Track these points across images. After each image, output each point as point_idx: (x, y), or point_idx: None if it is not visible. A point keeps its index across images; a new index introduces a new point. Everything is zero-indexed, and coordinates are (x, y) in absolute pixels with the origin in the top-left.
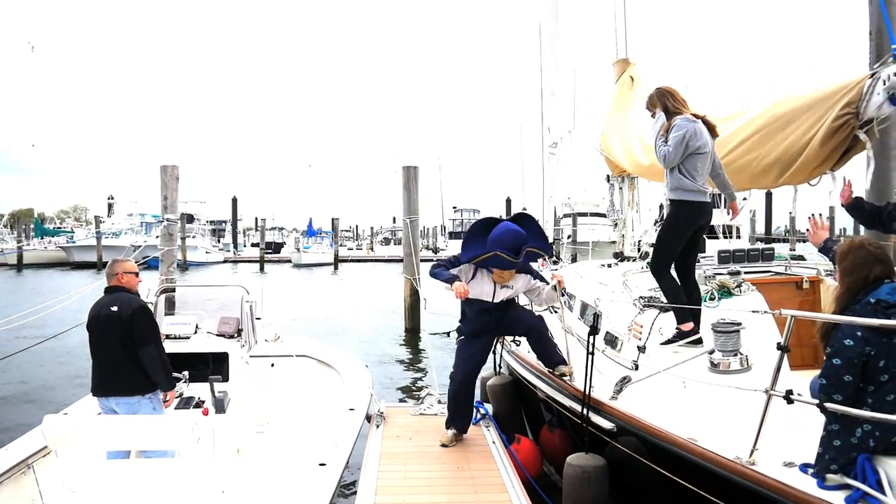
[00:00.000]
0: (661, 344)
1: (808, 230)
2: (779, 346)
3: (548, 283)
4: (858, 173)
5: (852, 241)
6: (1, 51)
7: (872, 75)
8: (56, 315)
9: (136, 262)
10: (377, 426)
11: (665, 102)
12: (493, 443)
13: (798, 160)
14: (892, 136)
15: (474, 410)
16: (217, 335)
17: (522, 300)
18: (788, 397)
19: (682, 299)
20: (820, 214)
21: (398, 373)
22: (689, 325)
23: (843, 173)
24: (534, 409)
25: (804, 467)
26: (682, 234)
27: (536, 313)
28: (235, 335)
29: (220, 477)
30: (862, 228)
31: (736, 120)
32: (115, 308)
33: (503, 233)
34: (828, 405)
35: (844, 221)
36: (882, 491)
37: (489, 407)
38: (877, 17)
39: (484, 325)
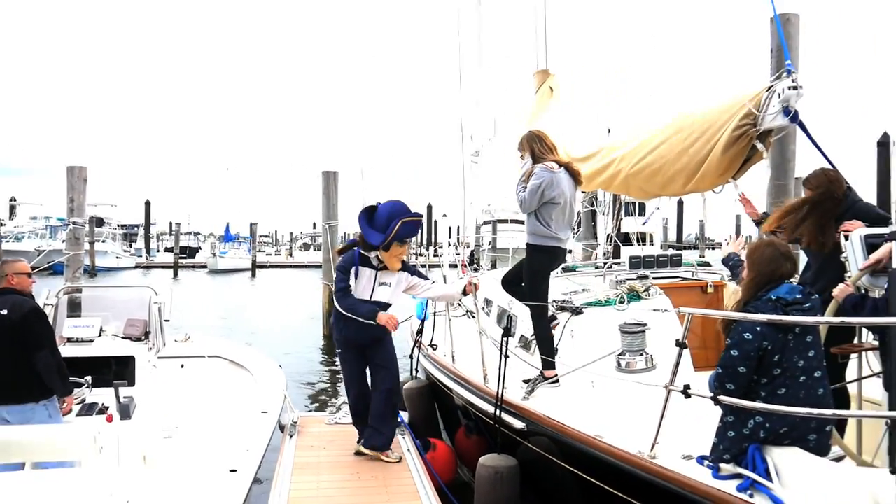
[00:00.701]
0: (524, 384)
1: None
2: (677, 343)
3: (427, 279)
4: (761, 181)
5: (762, 239)
6: None
7: (769, 88)
8: None
9: (39, 268)
10: (290, 436)
11: (533, 147)
12: (408, 450)
13: (702, 168)
14: (788, 147)
15: None
16: (123, 338)
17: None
18: (686, 392)
19: (553, 347)
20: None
21: (315, 381)
22: (552, 372)
23: (743, 185)
24: (450, 412)
25: (700, 459)
26: (544, 276)
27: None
28: (143, 338)
29: (124, 487)
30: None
31: (645, 129)
32: (4, 311)
33: (392, 206)
34: (721, 398)
35: (750, 229)
36: (770, 479)
37: (405, 415)
38: (776, 36)
39: (356, 335)
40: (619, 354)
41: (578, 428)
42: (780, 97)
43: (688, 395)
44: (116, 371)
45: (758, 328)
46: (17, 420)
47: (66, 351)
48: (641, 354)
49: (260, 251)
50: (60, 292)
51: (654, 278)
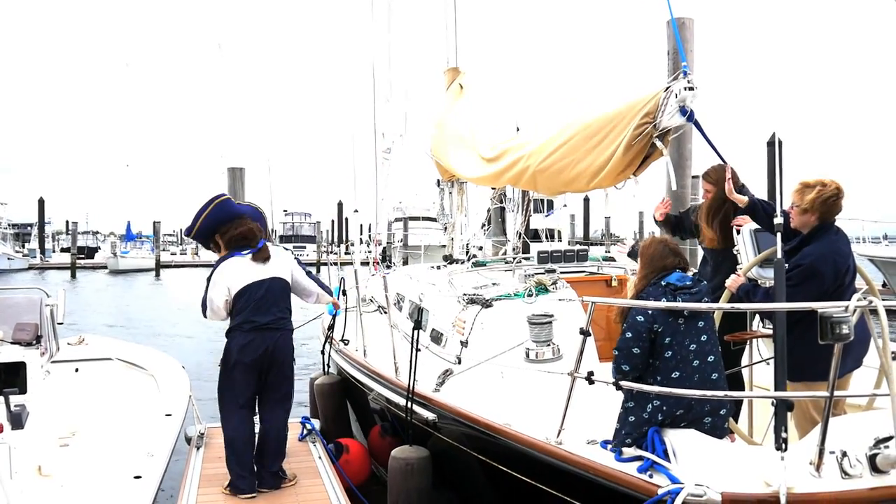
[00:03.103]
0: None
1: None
2: (581, 331)
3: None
4: (659, 179)
5: (653, 237)
6: None
7: (667, 89)
8: None
9: None
10: (197, 448)
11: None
12: (319, 457)
13: (606, 166)
14: (685, 147)
15: (300, 427)
16: (12, 343)
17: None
18: (590, 378)
19: None
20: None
21: None
22: None
23: (643, 182)
24: (362, 408)
25: (604, 443)
26: None
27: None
28: (34, 342)
29: (18, 499)
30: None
31: (552, 127)
32: None
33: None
34: (622, 383)
35: (653, 226)
36: (668, 459)
37: (316, 423)
38: (673, 39)
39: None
40: (527, 345)
41: (488, 417)
42: (676, 97)
43: (591, 382)
44: (6, 378)
45: (649, 311)
46: None
47: None
48: (548, 345)
49: (164, 250)
50: None
51: (562, 273)
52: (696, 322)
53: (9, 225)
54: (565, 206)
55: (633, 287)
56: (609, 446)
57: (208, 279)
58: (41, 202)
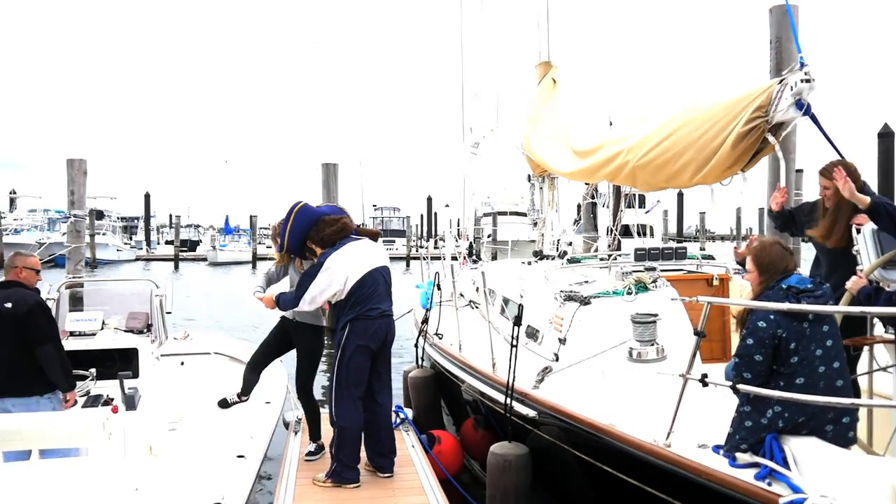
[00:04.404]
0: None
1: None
2: (696, 332)
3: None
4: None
5: (764, 240)
6: None
7: (781, 81)
8: None
9: (40, 260)
10: (295, 433)
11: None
12: (413, 446)
13: (712, 161)
14: (789, 139)
15: (393, 416)
16: (125, 331)
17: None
18: (703, 381)
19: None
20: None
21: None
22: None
23: (772, 179)
24: (456, 401)
25: (716, 448)
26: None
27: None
28: (145, 330)
29: (131, 474)
30: (766, 229)
31: (653, 121)
32: (8, 304)
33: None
34: (740, 386)
35: (751, 222)
36: (788, 468)
37: (409, 411)
38: (776, 27)
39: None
40: (630, 344)
41: (591, 416)
42: (792, 90)
43: (705, 384)
44: (120, 364)
45: (771, 316)
46: (22, 412)
47: (69, 344)
48: (652, 344)
49: (260, 243)
50: (62, 286)
51: (661, 271)
52: (821, 326)
53: (118, 218)
54: (659, 201)
55: (752, 292)
56: (721, 451)
57: (311, 273)
58: (147, 197)
